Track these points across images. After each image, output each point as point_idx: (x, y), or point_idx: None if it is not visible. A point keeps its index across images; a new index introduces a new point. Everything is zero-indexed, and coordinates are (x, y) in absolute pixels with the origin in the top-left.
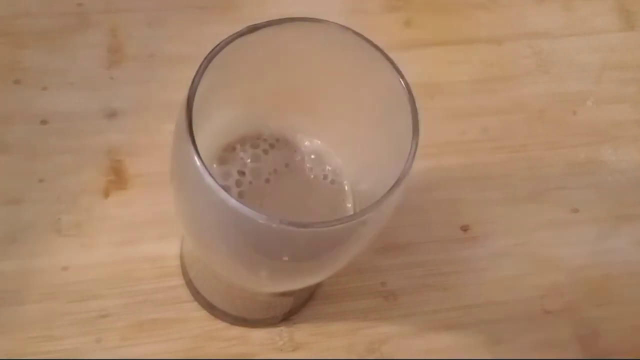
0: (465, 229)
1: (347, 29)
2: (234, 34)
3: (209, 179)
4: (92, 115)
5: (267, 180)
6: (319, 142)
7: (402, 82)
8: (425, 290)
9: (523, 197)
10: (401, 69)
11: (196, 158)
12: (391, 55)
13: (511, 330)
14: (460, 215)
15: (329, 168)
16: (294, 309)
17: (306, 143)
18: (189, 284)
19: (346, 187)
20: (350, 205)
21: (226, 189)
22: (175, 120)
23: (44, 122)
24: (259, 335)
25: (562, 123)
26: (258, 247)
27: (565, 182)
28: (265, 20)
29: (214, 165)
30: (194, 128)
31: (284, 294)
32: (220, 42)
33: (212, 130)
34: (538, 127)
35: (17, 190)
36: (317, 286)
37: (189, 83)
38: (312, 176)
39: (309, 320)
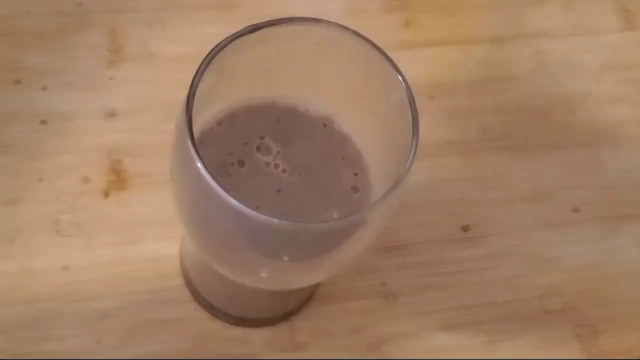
0: (465, 229)
1: (347, 29)
2: (234, 34)
3: (209, 179)
4: (92, 115)
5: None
6: None
7: (402, 82)
8: (425, 290)
9: (523, 197)
10: (401, 69)
11: (196, 158)
12: (391, 55)
13: (511, 330)
14: (460, 215)
15: None
16: (294, 309)
17: None
18: (189, 284)
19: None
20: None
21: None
22: (175, 120)
23: (43, 122)
24: (259, 335)
25: (562, 123)
26: (258, 247)
27: (565, 182)
28: (265, 20)
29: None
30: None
31: (284, 294)
32: (220, 42)
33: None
34: (538, 127)
35: (17, 190)
36: (317, 286)
37: (189, 83)
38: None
39: (309, 320)
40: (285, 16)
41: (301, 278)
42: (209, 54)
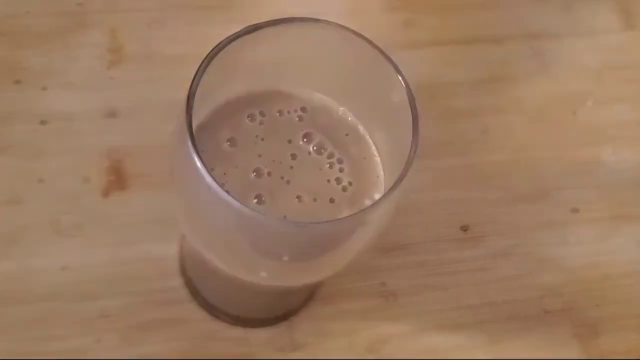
0: (465, 229)
1: (347, 29)
2: (234, 34)
3: (209, 179)
4: (92, 115)
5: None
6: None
7: (402, 82)
8: (425, 290)
9: (523, 197)
10: (401, 69)
11: (196, 158)
12: (391, 55)
13: (511, 330)
14: (460, 215)
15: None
16: (294, 309)
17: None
18: (189, 284)
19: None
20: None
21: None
22: (175, 120)
23: (43, 122)
24: (259, 335)
25: (562, 123)
26: (258, 246)
27: (565, 182)
28: (265, 20)
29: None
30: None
31: (284, 294)
32: (220, 42)
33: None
34: (538, 127)
35: (17, 190)
36: (317, 286)
37: (189, 83)
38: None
39: (309, 320)
40: (285, 16)
41: (301, 277)
42: (209, 54)
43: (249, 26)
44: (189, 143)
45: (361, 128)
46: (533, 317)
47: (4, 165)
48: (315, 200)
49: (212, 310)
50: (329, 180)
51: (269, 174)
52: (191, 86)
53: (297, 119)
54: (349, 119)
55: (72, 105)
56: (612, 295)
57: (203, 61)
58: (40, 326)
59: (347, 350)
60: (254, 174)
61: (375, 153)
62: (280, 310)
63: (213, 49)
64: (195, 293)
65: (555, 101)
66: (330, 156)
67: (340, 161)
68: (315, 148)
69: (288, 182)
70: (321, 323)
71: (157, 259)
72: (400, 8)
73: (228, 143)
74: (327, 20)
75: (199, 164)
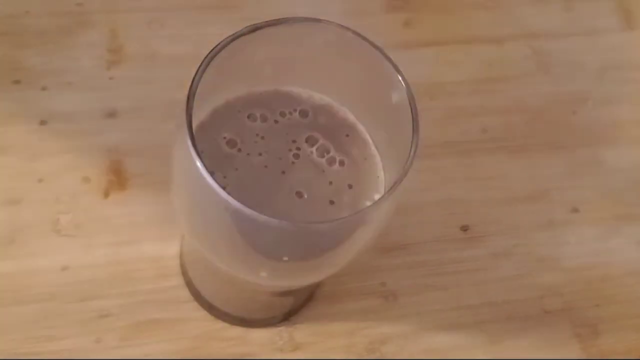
0: (465, 229)
1: (347, 29)
2: (234, 34)
3: (209, 179)
4: (92, 115)
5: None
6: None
7: (402, 82)
8: (425, 290)
9: (523, 197)
10: (401, 69)
11: (196, 158)
12: (391, 55)
13: (511, 330)
14: (460, 215)
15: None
16: (294, 309)
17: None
18: (189, 284)
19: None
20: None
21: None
22: (175, 120)
23: (43, 122)
24: (259, 335)
25: (562, 123)
26: (258, 246)
27: (565, 182)
28: (265, 20)
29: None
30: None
31: (284, 294)
32: (220, 42)
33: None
34: (538, 127)
35: (17, 190)
36: (317, 286)
37: (189, 83)
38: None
39: (309, 320)
40: (285, 16)
41: (301, 277)
42: (209, 54)
43: (249, 26)
44: (189, 143)
45: (361, 128)
46: (533, 317)
47: (4, 165)
48: (315, 197)
49: (212, 310)
50: (331, 183)
51: (269, 170)
52: (191, 86)
53: (297, 119)
54: (349, 119)
55: (72, 105)
56: (612, 295)
57: (203, 61)
58: (40, 326)
59: (347, 350)
60: (254, 171)
61: (375, 153)
62: (280, 310)
63: (213, 49)
64: (195, 293)
65: (555, 101)
66: (331, 158)
67: (341, 163)
68: (316, 150)
69: (288, 176)
70: (321, 323)
71: (157, 259)
72: (400, 8)
73: (228, 143)
74: (327, 20)
75: (198, 164)
